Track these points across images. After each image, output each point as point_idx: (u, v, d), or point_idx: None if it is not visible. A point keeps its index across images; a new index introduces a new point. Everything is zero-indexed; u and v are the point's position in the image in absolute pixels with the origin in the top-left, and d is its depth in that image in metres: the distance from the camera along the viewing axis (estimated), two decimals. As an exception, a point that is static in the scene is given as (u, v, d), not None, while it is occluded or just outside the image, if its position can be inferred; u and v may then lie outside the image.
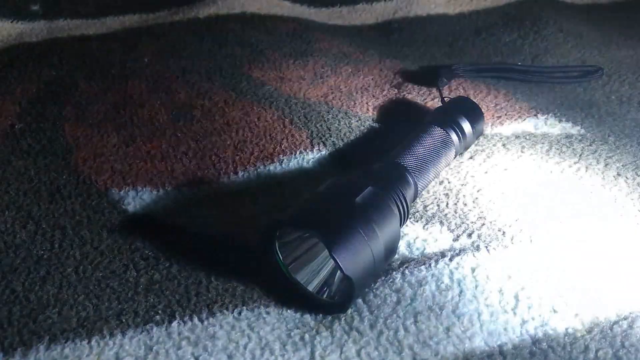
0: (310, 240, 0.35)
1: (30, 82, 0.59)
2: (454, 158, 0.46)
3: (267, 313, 0.34)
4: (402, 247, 0.39)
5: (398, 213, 0.36)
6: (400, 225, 0.37)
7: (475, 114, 0.48)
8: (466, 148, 0.48)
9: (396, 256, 0.38)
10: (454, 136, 0.45)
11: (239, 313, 0.34)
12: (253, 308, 0.34)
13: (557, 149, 0.49)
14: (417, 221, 0.41)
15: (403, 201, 0.37)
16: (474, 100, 0.50)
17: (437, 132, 0.44)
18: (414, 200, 0.41)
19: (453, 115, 0.46)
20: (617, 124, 0.53)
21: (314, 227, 0.33)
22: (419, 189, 0.41)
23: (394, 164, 0.40)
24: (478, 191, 0.44)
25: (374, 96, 0.57)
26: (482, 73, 0.62)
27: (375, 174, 0.38)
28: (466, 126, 0.46)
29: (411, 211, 0.42)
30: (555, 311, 0.34)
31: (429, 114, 0.50)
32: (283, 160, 0.48)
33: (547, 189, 0.44)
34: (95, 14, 0.77)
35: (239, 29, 0.70)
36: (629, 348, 0.32)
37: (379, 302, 0.35)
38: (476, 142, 0.50)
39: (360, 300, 0.35)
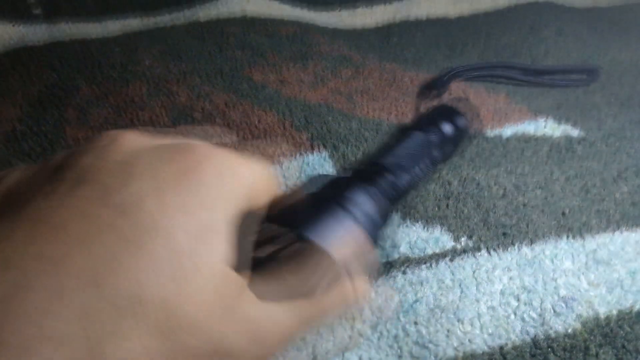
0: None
1: (31, 84, 0.59)
2: (442, 159, 0.46)
3: (268, 314, 0.34)
4: (403, 247, 0.39)
5: (378, 210, 0.36)
6: (380, 227, 0.36)
7: (452, 113, 0.47)
8: (455, 145, 0.47)
9: (397, 256, 0.38)
10: (432, 135, 0.44)
11: (240, 314, 0.34)
12: (254, 309, 0.34)
13: (557, 151, 0.49)
14: (417, 222, 0.41)
15: (382, 199, 0.37)
16: (474, 102, 0.50)
17: (415, 133, 0.44)
18: (398, 200, 0.41)
19: (430, 117, 0.46)
20: (618, 125, 0.53)
21: (290, 225, 0.33)
22: (400, 189, 0.41)
23: (373, 164, 0.40)
24: (478, 192, 0.44)
25: (374, 99, 0.57)
26: (481, 72, 0.62)
27: (357, 173, 0.38)
28: (445, 127, 0.46)
29: (411, 212, 0.42)
30: (556, 312, 0.34)
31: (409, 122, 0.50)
32: (283, 162, 0.48)
33: (548, 191, 0.44)
34: (96, 17, 0.78)
35: (240, 32, 0.70)
36: (630, 349, 0.32)
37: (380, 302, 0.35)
38: (474, 142, 0.50)
39: (360, 301, 0.35)
